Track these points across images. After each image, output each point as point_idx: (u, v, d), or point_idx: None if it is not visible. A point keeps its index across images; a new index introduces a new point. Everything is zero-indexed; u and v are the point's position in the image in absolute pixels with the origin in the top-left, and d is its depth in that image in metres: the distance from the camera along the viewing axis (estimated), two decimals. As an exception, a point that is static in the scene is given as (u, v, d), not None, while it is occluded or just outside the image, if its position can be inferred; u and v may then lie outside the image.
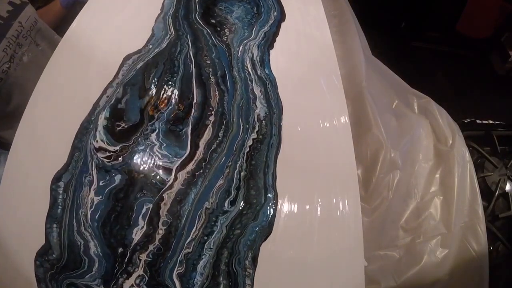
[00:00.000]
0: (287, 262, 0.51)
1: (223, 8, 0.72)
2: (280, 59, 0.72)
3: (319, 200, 0.57)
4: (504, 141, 0.89)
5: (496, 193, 0.78)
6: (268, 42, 0.69)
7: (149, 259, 0.44)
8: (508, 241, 0.75)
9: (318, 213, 0.56)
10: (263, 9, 0.75)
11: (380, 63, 0.95)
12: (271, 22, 0.73)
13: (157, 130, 0.51)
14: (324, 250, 0.53)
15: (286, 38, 0.76)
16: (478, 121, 0.95)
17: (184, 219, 0.47)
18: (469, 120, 0.95)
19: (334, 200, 0.56)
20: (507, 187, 0.80)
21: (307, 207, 0.56)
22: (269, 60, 0.66)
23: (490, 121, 0.95)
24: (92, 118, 0.50)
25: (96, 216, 0.45)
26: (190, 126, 0.53)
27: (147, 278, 0.43)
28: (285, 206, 0.53)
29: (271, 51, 0.69)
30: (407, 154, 0.78)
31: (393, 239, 0.69)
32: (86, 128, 0.49)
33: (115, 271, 0.43)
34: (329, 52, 0.75)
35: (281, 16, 0.76)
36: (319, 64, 0.73)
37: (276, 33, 0.71)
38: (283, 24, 0.75)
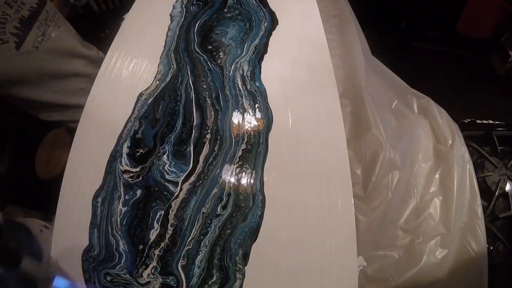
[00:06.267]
0: (279, 263, 0.53)
1: (219, 32, 0.78)
2: (273, 62, 0.73)
3: (310, 200, 0.57)
4: (504, 141, 0.88)
5: (496, 193, 0.78)
6: (259, 54, 0.74)
7: (161, 253, 0.55)
8: (508, 241, 0.75)
9: (309, 213, 0.57)
10: (254, 22, 0.80)
11: (380, 63, 0.95)
12: (262, 34, 0.77)
13: (167, 152, 0.62)
14: (316, 251, 0.54)
15: (280, 41, 0.76)
16: (478, 121, 0.94)
17: (186, 222, 0.56)
18: (469, 120, 0.95)
19: (326, 200, 0.57)
20: (507, 187, 0.80)
21: (298, 208, 0.57)
22: (260, 72, 0.71)
23: (490, 121, 0.94)
24: (118, 148, 0.62)
25: (124, 222, 0.57)
26: (192, 145, 0.62)
27: (159, 269, 0.54)
28: (276, 209, 0.57)
29: (264, 56, 0.73)
30: (406, 154, 0.78)
31: (393, 239, 0.68)
32: (113, 157, 0.62)
33: (136, 263, 0.54)
34: (323, 51, 0.74)
35: (272, 25, 0.80)
36: (313, 64, 0.73)
37: (266, 44, 0.76)
38: (277, 27, 0.79)
